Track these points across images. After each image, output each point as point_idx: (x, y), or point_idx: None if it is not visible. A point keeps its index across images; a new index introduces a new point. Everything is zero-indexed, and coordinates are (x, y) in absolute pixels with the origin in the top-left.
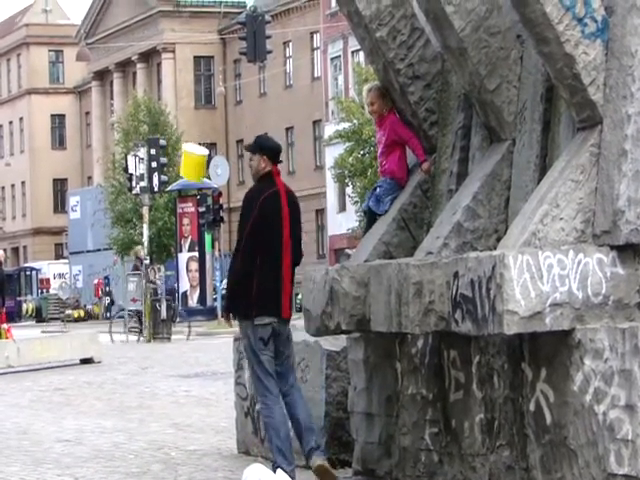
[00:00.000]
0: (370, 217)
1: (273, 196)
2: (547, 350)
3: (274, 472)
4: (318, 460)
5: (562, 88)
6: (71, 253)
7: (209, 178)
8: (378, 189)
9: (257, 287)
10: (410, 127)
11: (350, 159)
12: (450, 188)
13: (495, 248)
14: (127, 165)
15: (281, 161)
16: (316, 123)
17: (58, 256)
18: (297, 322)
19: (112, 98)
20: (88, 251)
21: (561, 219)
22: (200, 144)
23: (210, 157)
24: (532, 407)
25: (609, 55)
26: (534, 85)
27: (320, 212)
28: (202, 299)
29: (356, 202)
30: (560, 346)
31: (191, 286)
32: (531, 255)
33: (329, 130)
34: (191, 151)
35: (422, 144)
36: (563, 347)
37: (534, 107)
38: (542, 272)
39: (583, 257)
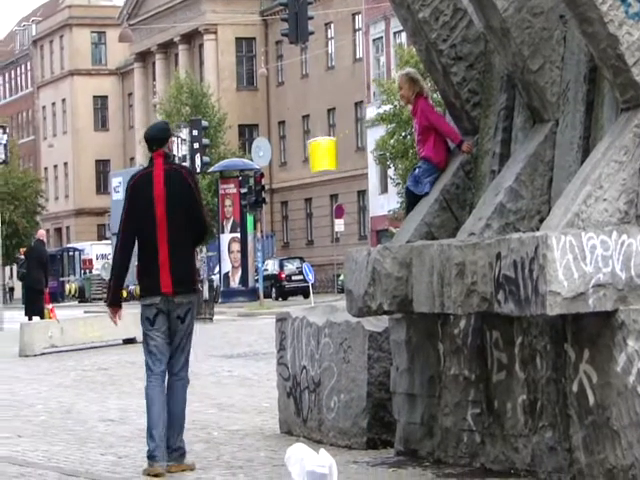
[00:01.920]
0: (410, 198)
1: (143, 178)
2: (590, 331)
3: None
4: (171, 463)
5: (605, 69)
6: (113, 234)
7: (249, 153)
8: (417, 170)
9: (138, 269)
10: (452, 108)
11: (391, 141)
12: (493, 169)
13: (538, 229)
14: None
15: (167, 145)
16: (358, 104)
17: (100, 237)
18: (339, 303)
19: (154, 79)
20: None
21: (604, 200)
22: (241, 125)
23: (251, 134)
24: (575, 388)
25: None
26: (577, 66)
27: (362, 193)
28: (244, 280)
29: (398, 184)
30: (603, 327)
31: (233, 267)
32: (574, 236)
33: (371, 112)
34: (317, 141)
35: (453, 128)
36: (606, 328)
37: (577, 88)
38: (585, 253)
39: (626, 238)
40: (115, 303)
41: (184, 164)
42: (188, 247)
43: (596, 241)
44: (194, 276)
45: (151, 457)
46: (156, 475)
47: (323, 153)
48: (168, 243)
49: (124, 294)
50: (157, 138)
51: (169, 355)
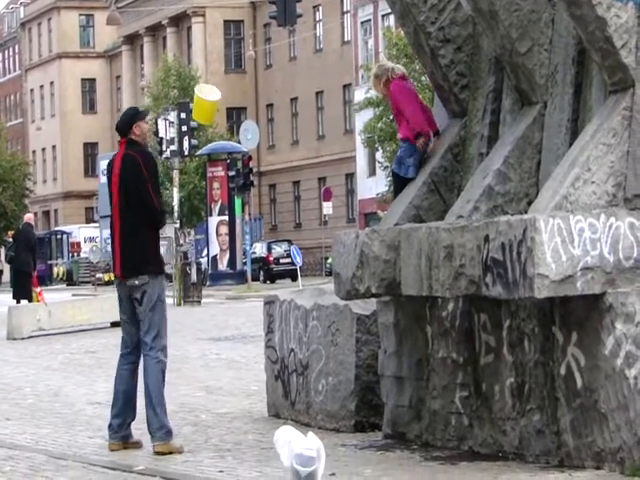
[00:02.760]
0: (395, 180)
1: (109, 164)
2: (578, 314)
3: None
4: (157, 443)
5: (594, 51)
6: (101, 217)
7: (236, 135)
8: (399, 152)
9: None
10: (440, 91)
11: (379, 124)
12: (481, 152)
13: (526, 212)
14: (157, 129)
15: (131, 131)
16: (346, 87)
17: (89, 220)
18: (327, 286)
19: (142, 62)
20: None
21: (592, 183)
22: (229, 108)
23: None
24: (563, 371)
25: None
26: (566, 48)
27: (350, 176)
28: (232, 263)
29: (386, 167)
30: (591, 310)
31: (221, 250)
32: (562, 219)
33: (359, 94)
34: (202, 96)
35: (417, 116)
36: (594, 311)
37: (565, 70)
38: (573, 236)
39: (614, 221)
40: None
41: (148, 151)
42: (140, 231)
43: (584, 224)
44: (147, 259)
45: (109, 429)
46: (112, 450)
47: (203, 109)
48: (120, 227)
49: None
50: (119, 127)
51: (136, 339)
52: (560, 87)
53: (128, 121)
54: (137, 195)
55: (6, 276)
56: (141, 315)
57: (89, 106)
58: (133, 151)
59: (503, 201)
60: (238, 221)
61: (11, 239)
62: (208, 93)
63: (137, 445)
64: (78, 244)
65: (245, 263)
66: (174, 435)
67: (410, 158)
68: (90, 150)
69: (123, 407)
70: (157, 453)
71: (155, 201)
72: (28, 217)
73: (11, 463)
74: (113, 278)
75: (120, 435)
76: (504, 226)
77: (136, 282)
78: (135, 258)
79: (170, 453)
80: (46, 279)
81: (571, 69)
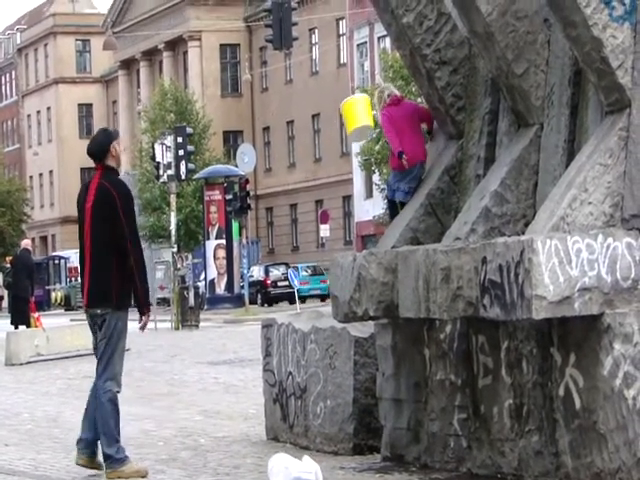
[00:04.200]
0: (389, 203)
1: (81, 192)
2: (576, 335)
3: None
4: (106, 471)
5: (590, 72)
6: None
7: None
8: (389, 177)
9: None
10: (437, 113)
11: (376, 147)
12: (478, 173)
13: (523, 233)
14: (154, 153)
15: (104, 157)
16: None
17: None
18: (325, 309)
19: (139, 87)
20: None
21: (590, 203)
22: (226, 132)
23: (235, 141)
24: (561, 392)
25: (637, 38)
26: (562, 69)
27: (347, 199)
28: (229, 286)
29: (382, 189)
30: (589, 331)
31: (219, 273)
32: (559, 240)
33: None
34: (350, 101)
35: (395, 143)
36: (592, 332)
37: (562, 91)
38: (571, 257)
39: (612, 241)
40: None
41: (121, 181)
42: (108, 263)
43: (581, 245)
44: (111, 292)
45: (77, 444)
46: (79, 464)
47: (360, 110)
48: (90, 258)
49: None
50: (95, 152)
51: None
52: (556, 108)
53: (105, 143)
54: (109, 230)
55: (6, 301)
56: (96, 341)
57: (86, 131)
58: (108, 182)
59: (500, 223)
60: (235, 244)
61: (9, 265)
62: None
63: (100, 467)
64: (76, 269)
65: (243, 286)
66: (127, 461)
67: (398, 183)
68: (87, 175)
69: (93, 427)
70: (108, 478)
71: (129, 239)
72: (26, 243)
73: None
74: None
75: (88, 451)
76: (501, 248)
77: (98, 311)
78: (101, 290)
79: (127, 478)
80: (44, 304)
81: (567, 90)
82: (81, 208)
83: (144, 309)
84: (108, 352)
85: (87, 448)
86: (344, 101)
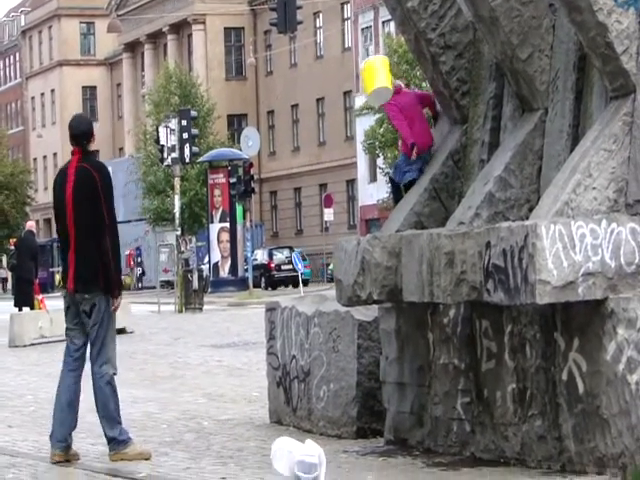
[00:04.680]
0: (393, 187)
1: (58, 176)
2: (580, 320)
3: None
4: (110, 453)
5: (595, 57)
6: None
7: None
8: (398, 159)
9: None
10: (441, 97)
11: (380, 130)
12: (482, 158)
13: (527, 218)
14: (158, 136)
15: (86, 142)
16: (347, 94)
17: None
18: (328, 292)
19: (143, 70)
20: (120, 222)
21: (594, 189)
22: (230, 115)
23: (240, 124)
24: (564, 377)
25: None
26: (566, 54)
27: (351, 183)
28: (233, 270)
29: (387, 173)
30: (593, 315)
31: (222, 257)
32: (563, 225)
33: (360, 101)
34: (370, 62)
35: (407, 133)
36: (596, 316)
37: (566, 76)
38: (575, 242)
39: (616, 226)
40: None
41: (100, 162)
42: (94, 247)
43: (585, 230)
44: (98, 275)
45: (50, 439)
46: (54, 461)
47: (380, 71)
48: (75, 242)
49: None
50: (78, 136)
51: (81, 347)
52: (561, 93)
53: (89, 128)
54: (91, 211)
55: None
56: (88, 327)
57: (90, 114)
58: (88, 164)
59: (504, 207)
60: (239, 228)
61: (13, 247)
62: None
63: (76, 457)
64: None
65: (246, 270)
66: (130, 443)
67: (409, 166)
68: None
69: (67, 417)
70: (112, 461)
71: (108, 220)
72: (30, 225)
73: (13, 471)
74: (63, 289)
75: (63, 445)
76: (505, 232)
77: (85, 296)
78: (88, 275)
79: (130, 460)
80: (48, 286)
81: (572, 75)
82: (60, 194)
83: (117, 292)
84: (101, 336)
85: (62, 442)
86: (365, 61)
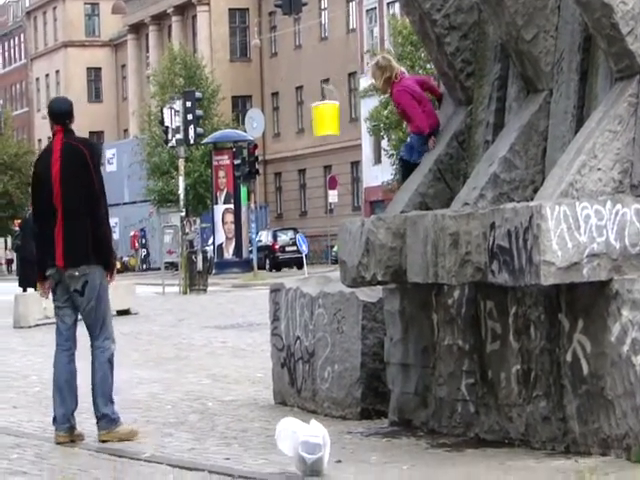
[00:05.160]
0: (404, 167)
1: (42, 156)
2: (584, 301)
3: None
4: (101, 432)
5: (600, 38)
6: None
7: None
8: (409, 140)
9: (39, 241)
10: (446, 78)
11: (385, 112)
12: (487, 139)
13: (532, 199)
14: (163, 118)
15: (69, 121)
16: (351, 75)
17: None
18: (333, 273)
19: (148, 51)
20: (124, 203)
21: (599, 170)
22: (235, 97)
23: (244, 106)
24: (569, 358)
25: None
26: (572, 35)
27: (355, 164)
28: (238, 251)
29: (391, 155)
30: (597, 297)
31: (227, 238)
32: (568, 206)
33: (364, 82)
34: (321, 105)
35: (423, 118)
36: (600, 298)
37: (571, 57)
38: (579, 223)
39: (621, 208)
40: (44, 278)
41: (87, 138)
42: (83, 222)
43: (590, 211)
44: (88, 251)
45: (54, 423)
46: (59, 442)
47: (327, 118)
48: (63, 218)
49: (118, 265)
50: (60, 113)
51: (72, 326)
52: (566, 74)
53: (71, 108)
54: (81, 187)
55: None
56: (83, 306)
57: (95, 95)
58: (74, 140)
59: (509, 188)
60: (244, 209)
61: (18, 228)
62: (324, 102)
63: (80, 437)
64: None
65: (251, 251)
66: (120, 422)
67: (423, 146)
68: (95, 139)
69: (66, 397)
70: (102, 442)
71: (99, 194)
72: None
73: (18, 451)
74: (50, 268)
75: (66, 426)
76: (510, 213)
77: (75, 273)
78: (78, 249)
79: (119, 440)
80: None
81: (577, 56)
82: (44, 172)
83: (111, 267)
84: (101, 311)
85: (65, 423)
86: (314, 106)
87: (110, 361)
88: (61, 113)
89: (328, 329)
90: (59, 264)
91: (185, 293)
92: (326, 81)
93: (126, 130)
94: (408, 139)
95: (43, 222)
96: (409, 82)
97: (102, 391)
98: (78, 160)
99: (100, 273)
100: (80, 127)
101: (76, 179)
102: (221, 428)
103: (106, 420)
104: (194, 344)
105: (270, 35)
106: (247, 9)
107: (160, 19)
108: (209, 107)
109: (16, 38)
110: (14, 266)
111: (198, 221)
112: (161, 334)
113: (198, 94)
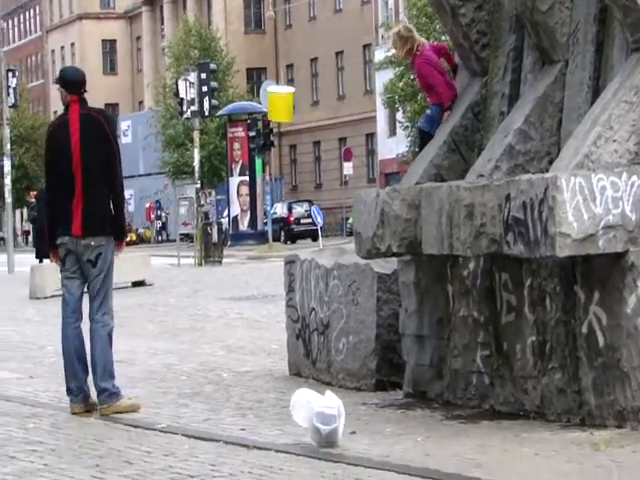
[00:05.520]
0: (423, 137)
1: (59, 125)
2: (600, 273)
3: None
4: (102, 406)
5: (616, 8)
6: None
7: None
8: (429, 111)
9: (53, 211)
10: (461, 49)
11: (400, 84)
12: (502, 110)
13: (547, 171)
14: (178, 89)
15: (84, 91)
16: (366, 47)
17: None
18: (348, 245)
19: (162, 23)
20: (140, 175)
21: (614, 141)
22: (249, 69)
23: (259, 77)
24: (585, 330)
25: None
26: (587, 6)
27: (370, 136)
28: (253, 223)
29: (406, 127)
30: (613, 269)
31: (242, 210)
32: (584, 177)
33: (379, 54)
34: (276, 91)
35: (446, 90)
36: (616, 270)
37: (587, 28)
38: (595, 194)
39: (636, 179)
40: (54, 247)
41: (103, 109)
42: (102, 192)
43: (606, 182)
44: (105, 222)
45: (68, 394)
46: (74, 413)
47: (281, 106)
48: (82, 188)
49: (133, 237)
50: (73, 83)
51: (79, 298)
52: (581, 45)
53: (84, 78)
54: (100, 156)
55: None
56: (92, 277)
57: (110, 67)
58: (92, 111)
59: (524, 160)
60: (259, 181)
61: (34, 199)
62: (280, 89)
63: (95, 407)
64: None
65: (266, 223)
66: (121, 396)
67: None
68: (110, 111)
69: (78, 370)
70: (102, 415)
71: (119, 174)
72: None
73: (34, 420)
74: (62, 237)
75: (80, 397)
76: (525, 185)
77: (92, 243)
78: (97, 220)
79: (119, 413)
80: None
81: (592, 27)
82: (62, 142)
83: (123, 238)
84: (106, 286)
85: (79, 394)
86: (270, 90)
87: (110, 335)
88: (77, 82)
89: (343, 300)
90: (76, 232)
91: (200, 265)
92: (341, 53)
93: (141, 102)
94: (428, 111)
95: (59, 192)
96: (430, 53)
97: (102, 365)
98: (98, 130)
99: (112, 246)
100: (95, 99)
101: (96, 149)
102: (236, 399)
103: (107, 394)
104: (209, 315)
105: (285, 7)
106: None
107: None
108: (224, 79)
109: (31, 10)
110: (30, 237)
111: (213, 193)
112: (176, 305)
113: (213, 66)
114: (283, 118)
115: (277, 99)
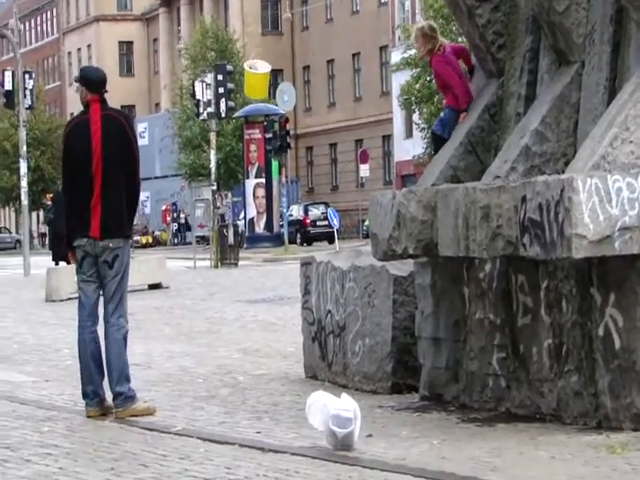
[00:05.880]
0: (436, 141)
1: (79, 124)
2: (616, 275)
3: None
4: (117, 409)
5: (632, 9)
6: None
7: (273, 98)
8: (443, 114)
9: (71, 211)
10: (477, 50)
11: (417, 85)
12: (518, 111)
13: (563, 172)
14: (194, 91)
15: (105, 91)
16: (383, 49)
17: None
18: (364, 247)
19: (179, 25)
20: (156, 177)
21: (631, 142)
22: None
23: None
24: (601, 332)
25: None
26: (603, 6)
27: (387, 138)
28: (269, 225)
29: (423, 129)
30: (629, 271)
31: (258, 212)
32: (600, 179)
33: (396, 56)
34: (253, 70)
35: (465, 90)
36: (632, 272)
37: (603, 29)
38: (611, 196)
39: None
40: (72, 247)
41: (122, 110)
42: (121, 193)
43: (622, 184)
44: (124, 223)
45: (84, 398)
46: (90, 416)
47: (257, 84)
48: (102, 189)
49: (150, 240)
50: (95, 83)
51: (95, 301)
52: (598, 46)
53: (104, 77)
54: (121, 157)
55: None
56: (108, 279)
57: (126, 69)
58: (112, 111)
59: (540, 161)
60: (275, 183)
61: (50, 202)
62: (258, 67)
63: (111, 409)
64: None
65: (282, 226)
66: (137, 399)
67: (456, 123)
68: (127, 112)
69: (94, 374)
70: (118, 418)
71: (138, 176)
72: None
73: (49, 424)
74: (80, 239)
75: (96, 401)
76: (541, 186)
77: (110, 244)
78: (115, 221)
79: (134, 416)
80: None
81: (609, 28)
82: (82, 143)
83: (131, 234)
84: (122, 288)
85: (94, 398)
86: (247, 70)
87: (125, 338)
88: (99, 81)
89: (359, 303)
90: (94, 234)
91: (216, 267)
92: (357, 54)
93: (158, 104)
94: (442, 113)
95: (77, 193)
96: (450, 54)
97: (118, 369)
98: (119, 131)
99: (129, 249)
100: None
101: (117, 149)
102: (252, 402)
103: (122, 398)
104: (225, 318)
105: (302, 8)
106: None
107: None
108: (240, 80)
109: (48, 12)
110: (46, 240)
111: (229, 195)
112: (192, 308)
113: (229, 67)
114: (257, 94)
115: (252, 77)
